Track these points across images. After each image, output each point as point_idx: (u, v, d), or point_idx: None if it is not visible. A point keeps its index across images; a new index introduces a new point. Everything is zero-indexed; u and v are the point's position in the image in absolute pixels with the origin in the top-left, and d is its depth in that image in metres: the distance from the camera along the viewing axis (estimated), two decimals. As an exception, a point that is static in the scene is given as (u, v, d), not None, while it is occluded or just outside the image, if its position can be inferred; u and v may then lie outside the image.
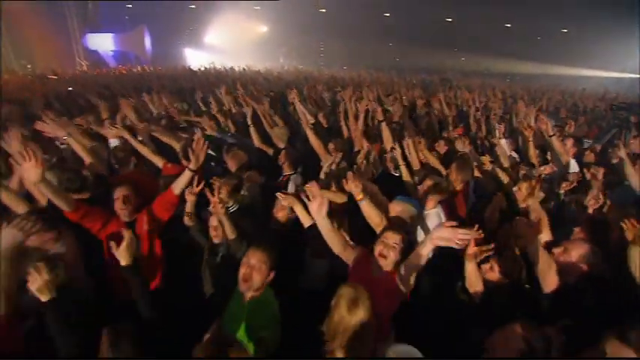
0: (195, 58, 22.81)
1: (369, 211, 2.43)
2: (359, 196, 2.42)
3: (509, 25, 26.38)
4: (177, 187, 2.51)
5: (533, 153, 3.97)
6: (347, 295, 1.61)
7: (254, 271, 1.90)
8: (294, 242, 2.68)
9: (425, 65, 24.72)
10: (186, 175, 2.48)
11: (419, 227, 2.59)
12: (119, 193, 2.48)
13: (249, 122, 4.24)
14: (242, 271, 1.92)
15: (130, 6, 21.73)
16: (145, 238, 2.48)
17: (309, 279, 2.81)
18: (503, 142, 4.36)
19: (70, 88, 7.99)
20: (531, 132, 4.02)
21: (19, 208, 2.39)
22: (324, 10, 26.04)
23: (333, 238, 2.20)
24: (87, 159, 3.28)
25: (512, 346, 1.52)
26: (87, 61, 17.74)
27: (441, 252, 1.91)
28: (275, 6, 23.40)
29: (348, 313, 1.57)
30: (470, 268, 2.03)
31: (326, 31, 26.37)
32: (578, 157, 4.37)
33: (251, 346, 1.73)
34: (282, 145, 3.94)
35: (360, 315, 1.59)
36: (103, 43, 19.62)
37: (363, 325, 1.58)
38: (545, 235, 2.35)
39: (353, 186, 2.41)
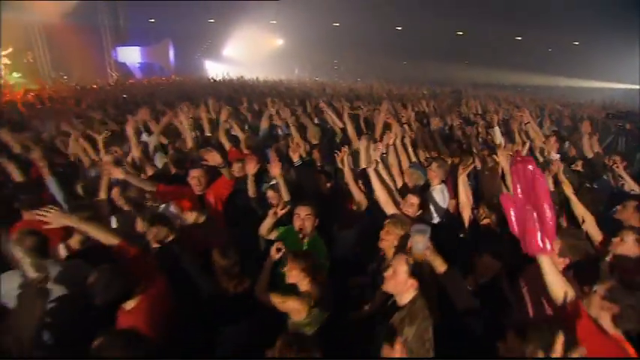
0: (214, 70, 24.03)
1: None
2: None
3: (519, 38, 26.98)
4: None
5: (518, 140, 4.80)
6: None
7: (305, 221, 2.62)
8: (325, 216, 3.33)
9: (436, 77, 25.36)
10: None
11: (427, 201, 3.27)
12: (194, 174, 3.25)
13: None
14: (297, 223, 2.64)
15: (153, 20, 23.13)
16: (211, 206, 3.25)
17: (339, 248, 3.29)
18: (496, 129, 5.28)
19: (125, 96, 8.93)
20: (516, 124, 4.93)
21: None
22: (337, 24, 27.04)
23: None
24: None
25: None
26: (117, 72, 19.04)
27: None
28: (290, 20, 24.45)
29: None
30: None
31: (339, 45, 27.30)
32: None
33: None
34: (315, 142, 4.75)
35: None
36: (131, 55, 21.02)
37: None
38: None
39: None
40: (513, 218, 1.63)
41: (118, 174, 2.96)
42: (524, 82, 25.94)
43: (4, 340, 1.61)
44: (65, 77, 16.93)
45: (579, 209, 2.89)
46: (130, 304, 2.05)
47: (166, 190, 3.15)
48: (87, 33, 17.65)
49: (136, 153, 3.92)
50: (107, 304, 1.96)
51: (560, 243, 2.27)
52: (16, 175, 3.42)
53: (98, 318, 2.03)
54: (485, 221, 3.01)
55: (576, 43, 24.80)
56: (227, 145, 4.39)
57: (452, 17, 24.26)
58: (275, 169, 3.08)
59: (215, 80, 15.96)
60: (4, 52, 14.30)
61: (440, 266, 2.00)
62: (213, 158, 3.25)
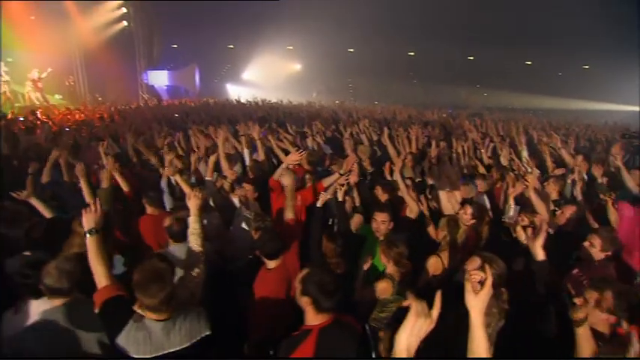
0: (235, 93, 25.20)
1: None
2: None
3: (529, 63, 27.78)
4: (327, 181, 3.75)
5: (550, 164, 5.21)
6: None
7: (381, 224, 3.16)
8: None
9: (449, 101, 26.06)
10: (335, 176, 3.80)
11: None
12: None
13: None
14: (374, 225, 3.19)
15: (176, 46, 24.60)
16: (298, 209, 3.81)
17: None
18: (524, 153, 5.77)
19: (177, 115, 9.71)
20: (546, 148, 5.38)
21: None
22: (352, 50, 28.22)
23: None
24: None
25: None
26: (147, 94, 20.23)
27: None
28: (307, 46, 25.65)
29: None
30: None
31: (354, 69, 28.39)
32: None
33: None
34: (364, 158, 5.40)
35: None
36: (160, 78, 22.32)
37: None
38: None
39: None
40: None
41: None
42: (536, 105, 26.45)
43: (181, 293, 2.15)
44: (100, 98, 17.99)
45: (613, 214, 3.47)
46: (272, 264, 2.62)
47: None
48: (122, 57, 18.91)
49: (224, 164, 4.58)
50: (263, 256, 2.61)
51: (599, 238, 2.75)
52: (124, 186, 3.94)
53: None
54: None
55: (586, 66, 25.46)
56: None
57: (462, 42, 25.08)
58: (353, 178, 3.70)
59: (240, 102, 16.84)
60: (44, 75, 15.39)
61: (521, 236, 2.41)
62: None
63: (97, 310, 1.92)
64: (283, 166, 3.55)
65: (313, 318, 1.88)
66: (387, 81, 28.46)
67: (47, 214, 3.28)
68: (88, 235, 2.07)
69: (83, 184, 3.50)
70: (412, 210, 3.75)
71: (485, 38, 23.69)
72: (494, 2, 21.30)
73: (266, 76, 27.65)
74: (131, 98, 18.67)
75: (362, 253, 3.18)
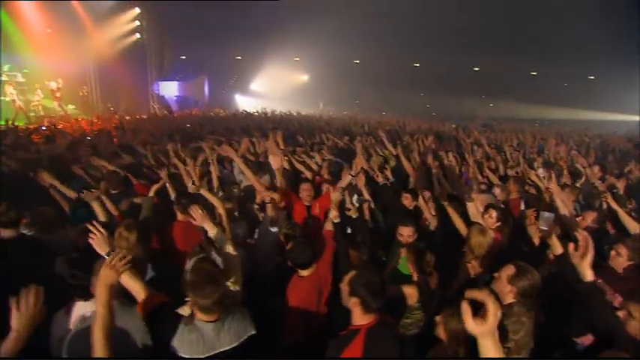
0: (243, 103, 25.49)
1: None
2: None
3: (534, 73, 27.94)
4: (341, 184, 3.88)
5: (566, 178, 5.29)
6: None
7: (407, 238, 3.22)
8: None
9: (455, 111, 26.19)
10: (347, 179, 3.94)
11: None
12: (305, 187, 3.95)
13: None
14: (399, 238, 3.25)
15: (184, 57, 25.03)
16: (316, 215, 3.90)
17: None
18: (540, 171, 5.78)
19: (188, 125, 9.89)
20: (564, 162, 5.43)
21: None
22: (357, 61, 28.54)
23: None
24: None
25: None
26: (157, 104, 20.57)
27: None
28: (313, 58, 26.00)
29: None
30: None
31: (360, 80, 28.64)
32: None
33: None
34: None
35: None
36: (170, 89, 22.70)
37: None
38: None
39: None
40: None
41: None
42: (543, 115, 26.53)
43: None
44: (112, 108, 18.30)
45: (631, 223, 3.51)
46: (304, 272, 2.68)
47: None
48: (134, 68, 19.32)
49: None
50: (295, 267, 2.67)
51: (627, 248, 2.80)
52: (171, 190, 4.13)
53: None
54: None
55: (592, 77, 25.56)
56: (309, 174, 5.03)
57: (467, 53, 25.21)
58: (360, 181, 3.98)
59: (248, 113, 17.07)
60: (58, 85, 15.77)
61: (557, 248, 2.44)
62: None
63: (144, 318, 1.98)
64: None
65: (361, 318, 1.94)
66: (393, 92, 28.67)
67: (102, 217, 3.40)
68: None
69: (96, 208, 3.50)
70: (432, 223, 3.86)
71: (490, 49, 23.87)
72: (499, 14, 21.55)
73: (273, 87, 28.00)
74: (142, 108, 18.99)
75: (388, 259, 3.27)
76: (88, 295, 2.31)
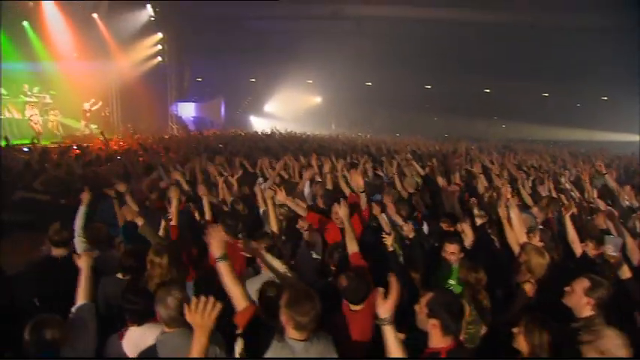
0: (257, 124, 25.93)
1: None
2: None
3: (546, 95, 27.99)
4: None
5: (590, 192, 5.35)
6: None
7: (451, 256, 3.21)
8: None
9: (467, 133, 26.16)
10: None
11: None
12: (336, 209, 3.95)
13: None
14: (444, 255, 3.25)
15: (201, 79, 25.73)
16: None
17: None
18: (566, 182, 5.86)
19: (221, 145, 10.07)
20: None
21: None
22: (369, 84, 28.98)
23: None
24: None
25: None
26: (176, 125, 21.07)
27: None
28: (326, 80, 26.48)
29: None
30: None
31: (372, 102, 28.99)
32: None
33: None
34: (411, 191, 5.49)
35: None
36: (187, 109, 23.29)
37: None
38: None
39: None
40: None
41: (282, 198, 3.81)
42: (556, 136, 26.32)
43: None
44: (131, 129, 18.73)
45: None
46: (356, 307, 2.60)
47: (315, 219, 3.89)
48: (154, 90, 19.88)
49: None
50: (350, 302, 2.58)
51: None
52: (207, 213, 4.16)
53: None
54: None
55: (604, 98, 25.48)
56: (347, 191, 5.02)
57: (478, 76, 25.39)
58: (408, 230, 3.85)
59: (267, 134, 17.33)
60: (92, 107, 16.38)
61: (626, 272, 2.47)
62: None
63: (240, 331, 2.00)
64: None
65: (440, 341, 1.90)
66: (405, 114, 28.89)
67: (153, 240, 3.40)
68: (220, 262, 2.11)
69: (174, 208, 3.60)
70: (468, 238, 3.82)
71: (502, 71, 24.12)
72: (509, 35, 21.90)
73: (286, 108, 28.48)
74: (161, 128, 19.44)
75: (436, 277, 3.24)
76: (142, 321, 2.33)
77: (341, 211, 3.18)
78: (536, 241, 3.40)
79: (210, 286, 2.81)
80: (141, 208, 4.20)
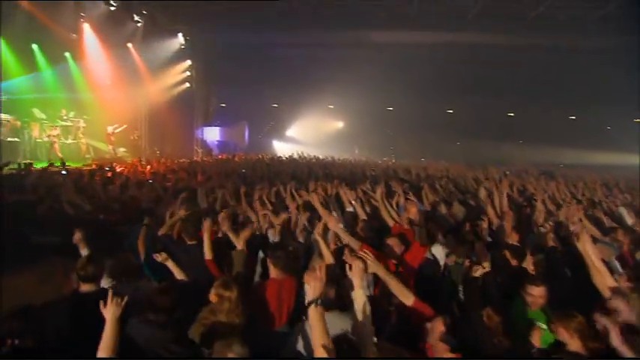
0: (280, 149, 26.08)
1: None
2: None
3: (573, 117, 27.16)
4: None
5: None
6: None
7: (539, 299, 2.90)
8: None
9: (492, 157, 25.50)
10: None
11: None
12: (390, 242, 3.62)
13: None
14: (528, 298, 2.93)
15: (225, 105, 26.26)
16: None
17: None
18: (622, 208, 5.35)
19: (244, 170, 9.97)
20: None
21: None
22: (391, 108, 28.94)
23: None
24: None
25: None
26: (201, 149, 21.39)
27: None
28: (347, 105, 26.60)
29: None
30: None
31: (394, 127, 28.91)
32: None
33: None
34: (459, 218, 5.18)
35: None
36: (212, 134, 23.70)
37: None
38: None
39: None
40: None
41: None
42: (585, 160, 25.24)
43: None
44: (158, 152, 19.06)
45: None
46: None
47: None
48: (181, 114, 20.35)
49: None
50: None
51: None
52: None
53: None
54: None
55: (638, 120, 24.49)
56: (391, 222, 4.73)
57: (501, 99, 25.09)
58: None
59: (292, 158, 17.26)
60: (114, 130, 16.81)
61: None
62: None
63: None
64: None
65: None
66: (428, 138, 28.57)
67: (180, 276, 3.15)
68: (312, 306, 1.88)
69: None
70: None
71: (525, 94, 23.67)
72: (532, 58, 21.60)
73: (308, 133, 28.67)
74: (186, 152, 19.72)
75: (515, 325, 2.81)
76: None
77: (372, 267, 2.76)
78: (624, 284, 2.96)
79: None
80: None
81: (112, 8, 13.56)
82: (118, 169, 10.80)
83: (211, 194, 6.46)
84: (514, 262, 3.60)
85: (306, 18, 17.87)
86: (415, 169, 13.44)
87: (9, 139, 13.48)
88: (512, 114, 28.23)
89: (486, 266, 3.06)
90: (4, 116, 13.49)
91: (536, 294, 2.88)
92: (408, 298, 2.63)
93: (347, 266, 2.57)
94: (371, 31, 19.70)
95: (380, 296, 3.00)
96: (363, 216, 4.81)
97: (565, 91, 23.08)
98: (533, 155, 27.27)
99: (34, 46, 14.69)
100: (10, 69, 13.89)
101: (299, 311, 2.97)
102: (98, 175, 8.55)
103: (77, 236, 3.56)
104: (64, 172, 8.78)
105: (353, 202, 5.27)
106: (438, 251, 3.90)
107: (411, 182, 8.47)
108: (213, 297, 2.53)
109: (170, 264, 3.19)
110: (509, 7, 17.15)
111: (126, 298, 2.26)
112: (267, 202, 5.69)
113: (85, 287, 2.92)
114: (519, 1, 16.53)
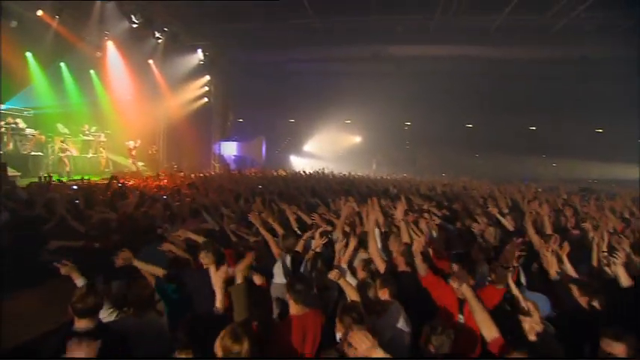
0: (297, 164, 25.87)
1: None
2: None
3: (600, 130, 26.03)
4: None
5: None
6: None
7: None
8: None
9: (515, 172, 24.66)
10: None
11: None
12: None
13: None
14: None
15: (242, 120, 26.37)
16: None
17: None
18: None
19: (260, 186, 9.68)
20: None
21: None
22: (409, 123, 28.49)
23: None
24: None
25: None
26: (217, 163, 21.37)
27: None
28: (364, 120, 26.29)
29: None
30: None
31: (413, 142, 28.44)
32: None
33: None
34: (493, 242, 4.68)
35: None
36: (229, 149, 23.71)
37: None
38: None
39: None
40: None
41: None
42: (615, 174, 23.95)
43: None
44: (175, 166, 19.09)
45: None
46: None
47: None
48: (199, 129, 20.49)
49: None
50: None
51: None
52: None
53: None
54: None
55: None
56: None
57: (522, 113, 24.44)
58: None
59: (309, 174, 16.93)
60: (135, 145, 16.99)
61: None
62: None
63: None
64: None
65: None
66: (447, 153, 27.95)
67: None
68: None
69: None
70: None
71: (547, 108, 22.89)
72: (554, 71, 20.93)
73: (326, 148, 28.46)
74: (203, 166, 19.70)
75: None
76: None
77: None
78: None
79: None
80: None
81: (135, 25, 13.80)
82: (130, 184, 10.65)
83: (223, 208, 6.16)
84: (582, 301, 2.99)
85: (324, 33, 17.84)
86: (440, 185, 12.86)
87: (32, 153, 13.69)
88: (534, 128, 27.35)
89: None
90: (29, 131, 13.78)
91: (617, 352, 2.25)
92: (491, 332, 2.43)
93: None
94: (389, 45, 19.50)
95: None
96: (405, 238, 4.32)
97: (591, 104, 22.24)
98: (559, 170, 26.32)
99: (62, 64, 15.33)
100: (40, 86, 14.54)
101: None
102: (110, 191, 8.36)
103: (65, 269, 2.98)
104: (75, 186, 8.59)
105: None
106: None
107: (438, 199, 7.92)
108: (218, 350, 2.08)
109: (139, 264, 2.82)
110: (532, 19, 16.67)
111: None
112: (293, 219, 5.26)
113: (81, 324, 2.50)
114: (542, 13, 16.01)
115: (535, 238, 4.36)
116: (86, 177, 12.37)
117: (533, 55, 19.60)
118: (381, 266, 3.56)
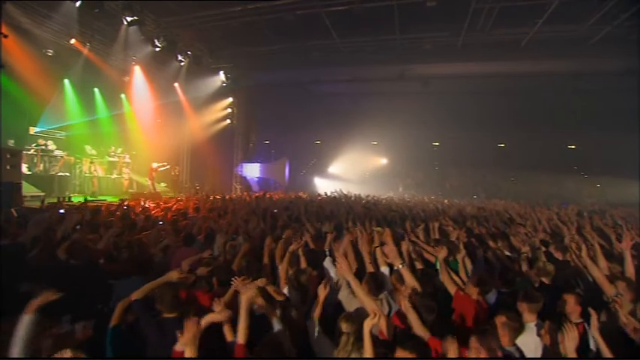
0: (321, 186, 25.40)
1: None
2: None
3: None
4: None
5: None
6: None
7: None
8: None
9: (554, 193, 23.15)
10: None
11: None
12: None
13: None
14: None
15: (268, 142, 26.36)
16: None
17: None
18: None
19: (275, 210, 9.16)
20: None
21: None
22: (437, 143, 27.52)
23: None
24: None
25: None
26: (240, 185, 21.21)
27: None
28: (391, 141, 25.63)
29: None
30: None
31: (440, 163, 27.38)
32: None
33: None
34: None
35: None
36: (252, 170, 23.59)
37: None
38: None
39: None
40: None
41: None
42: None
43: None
44: (198, 187, 19.05)
45: None
46: None
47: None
48: (221, 150, 20.54)
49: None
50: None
51: None
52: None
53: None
54: None
55: None
56: (453, 288, 3.66)
57: (558, 131, 23.15)
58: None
59: (332, 196, 16.32)
60: (158, 166, 17.13)
61: None
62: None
63: None
64: None
65: None
66: (478, 174, 26.67)
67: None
68: None
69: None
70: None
71: (586, 125, 21.43)
72: (593, 85, 19.49)
73: (351, 170, 27.94)
74: (225, 188, 19.56)
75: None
76: None
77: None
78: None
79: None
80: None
81: (157, 49, 14.11)
82: (142, 206, 10.38)
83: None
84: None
85: (348, 54, 17.53)
86: (465, 208, 11.78)
87: (60, 173, 13.99)
88: (573, 146, 25.65)
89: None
90: (58, 152, 14.17)
91: None
92: None
93: None
94: (415, 63, 18.95)
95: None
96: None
97: (632, 120, 20.50)
98: (603, 190, 24.38)
99: (96, 90, 16.07)
100: (74, 111, 15.23)
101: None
102: (117, 214, 8.05)
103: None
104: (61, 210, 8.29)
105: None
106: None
107: (469, 227, 6.96)
108: None
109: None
110: (568, 30, 15.56)
111: None
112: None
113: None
114: (579, 23, 14.92)
115: (598, 274, 3.46)
116: (108, 198, 12.36)
117: (568, 68, 18.37)
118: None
